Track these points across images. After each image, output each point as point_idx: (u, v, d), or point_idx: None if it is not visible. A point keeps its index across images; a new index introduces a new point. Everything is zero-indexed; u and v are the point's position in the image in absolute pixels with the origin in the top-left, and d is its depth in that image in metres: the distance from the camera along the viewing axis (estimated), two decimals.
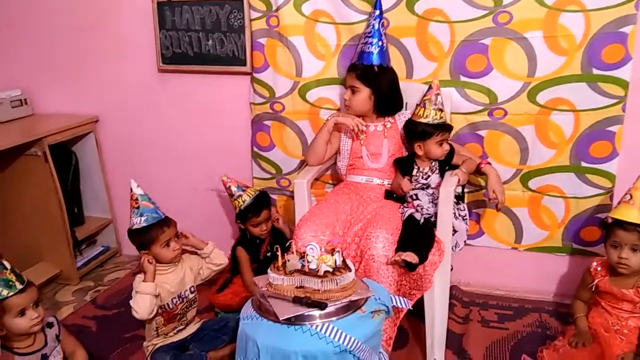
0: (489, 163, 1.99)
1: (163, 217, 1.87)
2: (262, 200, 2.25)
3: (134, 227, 1.84)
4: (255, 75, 2.33)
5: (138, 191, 1.85)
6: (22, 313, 1.53)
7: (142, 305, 1.75)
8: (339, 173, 2.20)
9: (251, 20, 2.26)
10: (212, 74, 2.44)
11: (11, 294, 1.49)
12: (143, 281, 1.78)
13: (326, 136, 2.11)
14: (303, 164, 2.39)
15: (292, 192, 2.47)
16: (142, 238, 1.83)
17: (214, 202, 2.68)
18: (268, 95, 2.34)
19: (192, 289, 1.95)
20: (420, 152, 1.94)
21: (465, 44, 2.04)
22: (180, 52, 2.42)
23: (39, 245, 2.57)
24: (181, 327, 1.95)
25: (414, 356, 1.96)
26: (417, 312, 1.84)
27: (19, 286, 1.52)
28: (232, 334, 1.92)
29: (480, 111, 2.10)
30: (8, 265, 1.53)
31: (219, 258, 2.00)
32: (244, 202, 2.20)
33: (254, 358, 1.37)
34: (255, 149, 2.49)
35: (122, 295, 2.49)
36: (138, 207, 1.83)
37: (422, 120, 1.89)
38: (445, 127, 1.91)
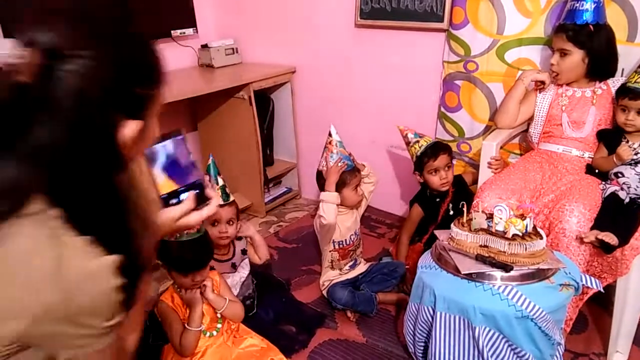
0: None
1: (354, 165, 2.00)
2: (440, 145, 2.14)
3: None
4: (452, 31, 2.26)
5: (336, 137, 2.00)
6: (213, 224, 1.74)
7: (328, 211, 1.91)
8: (530, 141, 2.07)
9: None
10: (406, 30, 2.43)
11: None
12: (324, 190, 1.94)
13: (521, 94, 1.98)
14: (487, 129, 2.29)
15: (471, 158, 2.41)
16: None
17: (391, 157, 2.74)
18: (463, 54, 2.26)
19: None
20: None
21: None
22: (379, 8, 2.46)
23: (237, 177, 2.90)
24: (351, 262, 2.09)
25: (593, 344, 1.82)
26: (599, 299, 1.70)
27: (221, 201, 1.74)
28: (400, 279, 2.03)
29: None
30: (221, 182, 1.77)
31: (374, 176, 2.14)
32: (420, 147, 2.11)
33: (429, 305, 1.41)
34: (442, 109, 2.45)
35: (300, 233, 2.73)
36: (334, 152, 1.97)
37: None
38: None
